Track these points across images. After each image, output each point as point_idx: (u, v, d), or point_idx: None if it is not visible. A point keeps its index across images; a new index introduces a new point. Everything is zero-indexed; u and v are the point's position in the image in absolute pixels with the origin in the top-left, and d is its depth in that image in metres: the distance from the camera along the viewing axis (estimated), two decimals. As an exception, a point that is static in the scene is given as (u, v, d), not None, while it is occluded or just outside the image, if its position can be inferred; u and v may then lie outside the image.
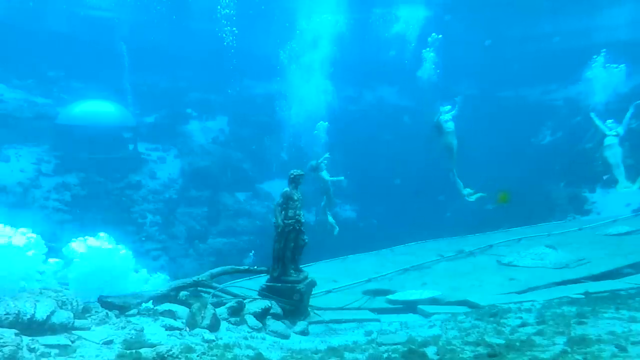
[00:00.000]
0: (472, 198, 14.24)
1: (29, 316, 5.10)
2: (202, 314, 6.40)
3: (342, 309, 8.64)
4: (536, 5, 24.97)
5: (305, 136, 15.81)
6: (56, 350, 4.83)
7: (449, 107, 14.61)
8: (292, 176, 8.48)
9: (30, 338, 4.84)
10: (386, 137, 26.07)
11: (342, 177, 14.25)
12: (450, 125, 14.38)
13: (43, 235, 7.55)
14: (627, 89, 18.97)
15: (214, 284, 8.39)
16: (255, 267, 9.38)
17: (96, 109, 23.36)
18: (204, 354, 5.20)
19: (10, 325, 4.88)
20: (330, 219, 14.25)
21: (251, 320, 6.99)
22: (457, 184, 14.35)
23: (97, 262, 7.43)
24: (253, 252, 19.23)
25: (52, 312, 5.27)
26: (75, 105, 23.64)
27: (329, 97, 20.78)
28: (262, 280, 8.65)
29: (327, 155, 14.03)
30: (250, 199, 24.74)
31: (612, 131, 13.57)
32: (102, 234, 7.76)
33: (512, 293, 8.71)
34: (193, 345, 5.40)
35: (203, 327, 6.26)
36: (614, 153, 13.61)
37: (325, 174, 13.65)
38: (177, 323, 6.38)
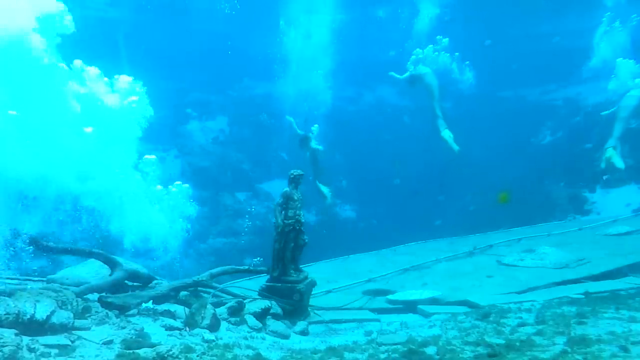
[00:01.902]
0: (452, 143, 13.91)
1: (29, 316, 5.10)
2: (202, 314, 6.40)
3: (342, 308, 8.63)
4: (536, 5, 24.97)
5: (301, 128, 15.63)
6: (56, 350, 4.83)
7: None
8: (292, 176, 8.48)
9: (30, 338, 4.84)
10: (386, 137, 26.07)
11: (321, 147, 14.01)
12: (423, 68, 14.15)
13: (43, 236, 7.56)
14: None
15: (214, 284, 8.39)
16: (255, 267, 9.41)
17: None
18: (203, 354, 5.20)
19: (10, 325, 4.88)
20: (322, 188, 14.04)
21: (251, 320, 6.99)
22: (440, 124, 13.97)
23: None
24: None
25: (52, 312, 5.27)
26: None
27: (328, 97, 20.75)
28: (262, 280, 8.65)
29: (315, 127, 13.91)
30: (250, 199, 24.75)
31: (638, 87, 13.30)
32: None
33: (512, 293, 8.71)
34: (193, 345, 5.40)
35: (203, 327, 6.26)
36: (627, 105, 13.35)
37: (313, 143, 13.57)
38: (177, 323, 6.38)
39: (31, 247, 6.67)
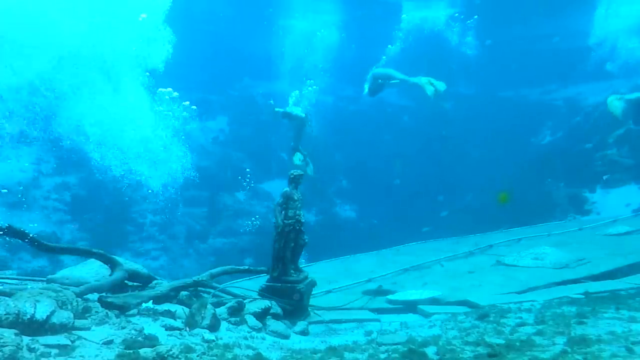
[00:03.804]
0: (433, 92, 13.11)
1: (29, 316, 5.09)
2: (202, 314, 6.40)
3: (342, 308, 8.64)
4: (536, 5, 24.99)
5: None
6: (56, 350, 4.82)
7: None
8: (292, 176, 8.48)
9: (30, 338, 4.84)
10: (386, 137, 26.09)
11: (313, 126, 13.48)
12: (377, 70, 13.78)
13: (43, 235, 7.55)
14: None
15: (214, 284, 8.39)
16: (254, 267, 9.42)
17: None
18: (204, 354, 5.20)
19: (10, 325, 4.87)
20: (295, 160, 13.52)
21: (251, 320, 6.99)
22: (419, 81, 13.35)
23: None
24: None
25: (52, 312, 5.26)
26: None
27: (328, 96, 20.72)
28: (262, 280, 8.65)
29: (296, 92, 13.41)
30: (250, 199, 24.77)
31: None
32: None
33: (512, 293, 8.71)
34: (193, 345, 5.40)
35: (203, 327, 6.26)
36: None
37: (296, 110, 13.03)
38: (177, 323, 6.37)
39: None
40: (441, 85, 12.34)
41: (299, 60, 22.20)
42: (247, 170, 23.56)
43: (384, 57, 14.61)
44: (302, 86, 13.76)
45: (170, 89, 10.43)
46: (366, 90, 13.58)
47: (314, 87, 13.93)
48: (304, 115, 13.16)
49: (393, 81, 13.32)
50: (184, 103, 10.71)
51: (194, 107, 10.55)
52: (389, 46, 15.82)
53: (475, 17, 16.25)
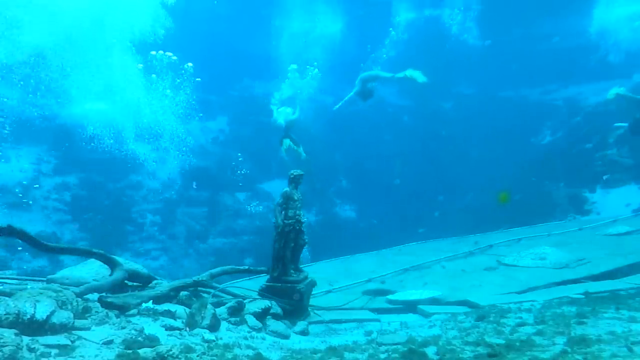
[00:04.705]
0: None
1: (29, 316, 5.09)
2: (202, 314, 6.40)
3: (342, 308, 8.64)
4: (536, 5, 25.00)
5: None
6: (56, 350, 4.82)
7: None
8: (292, 176, 8.48)
9: (30, 338, 4.84)
10: (386, 137, 26.09)
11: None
12: (365, 73, 13.53)
13: (43, 235, 7.55)
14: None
15: (214, 284, 8.39)
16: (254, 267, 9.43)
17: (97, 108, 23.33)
18: (204, 354, 5.20)
19: (10, 325, 4.87)
20: (283, 149, 13.08)
21: (251, 320, 6.99)
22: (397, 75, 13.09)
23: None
24: None
25: (52, 312, 5.26)
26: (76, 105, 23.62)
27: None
28: (262, 280, 8.65)
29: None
30: (250, 199, 24.78)
31: None
32: None
33: (512, 293, 8.71)
34: (193, 345, 5.40)
35: (203, 327, 6.26)
36: None
37: (284, 112, 12.67)
38: (177, 323, 6.37)
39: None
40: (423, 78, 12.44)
41: (298, 56, 22.21)
42: (239, 155, 23.46)
43: (370, 58, 14.42)
44: (304, 72, 13.33)
45: (170, 53, 10.22)
46: (345, 100, 13.30)
47: (316, 70, 13.52)
48: (294, 116, 12.90)
49: (382, 79, 13.17)
50: (187, 64, 10.49)
51: (199, 79, 10.35)
52: (391, 29, 15.57)
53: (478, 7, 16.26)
